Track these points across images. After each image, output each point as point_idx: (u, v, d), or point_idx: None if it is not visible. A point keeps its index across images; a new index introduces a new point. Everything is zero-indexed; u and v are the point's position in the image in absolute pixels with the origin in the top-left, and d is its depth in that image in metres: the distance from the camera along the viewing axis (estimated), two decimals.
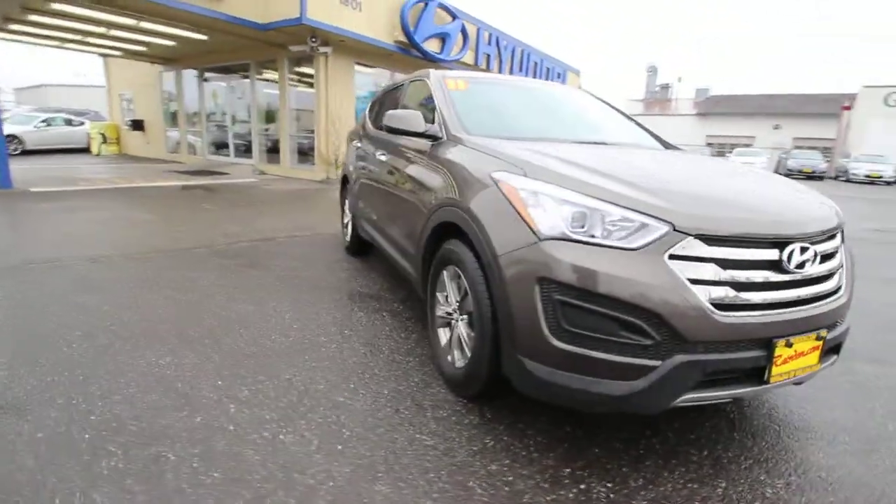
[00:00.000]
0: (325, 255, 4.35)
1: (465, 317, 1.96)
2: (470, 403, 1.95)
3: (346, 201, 4.48)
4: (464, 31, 11.17)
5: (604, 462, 1.63)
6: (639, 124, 3.05)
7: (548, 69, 15.33)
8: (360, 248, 4.24)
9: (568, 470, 1.58)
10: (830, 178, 21.59)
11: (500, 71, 13.10)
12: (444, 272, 2.09)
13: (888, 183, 19.55)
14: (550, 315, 1.46)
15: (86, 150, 15.51)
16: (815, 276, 1.58)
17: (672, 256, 1.41)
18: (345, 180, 4.51)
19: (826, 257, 1.64)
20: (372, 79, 11.19)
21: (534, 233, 1.51)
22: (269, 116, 11.54)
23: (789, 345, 1.49)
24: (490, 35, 12.39)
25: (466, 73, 3.06)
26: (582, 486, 1.51)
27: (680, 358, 1.40)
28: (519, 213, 1.57)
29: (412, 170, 2.54)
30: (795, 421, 1.95)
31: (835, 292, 1.66)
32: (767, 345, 1.47)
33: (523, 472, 1.56)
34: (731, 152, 24.62)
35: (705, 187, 1.74)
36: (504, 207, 1.64)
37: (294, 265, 3.92)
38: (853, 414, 2.02)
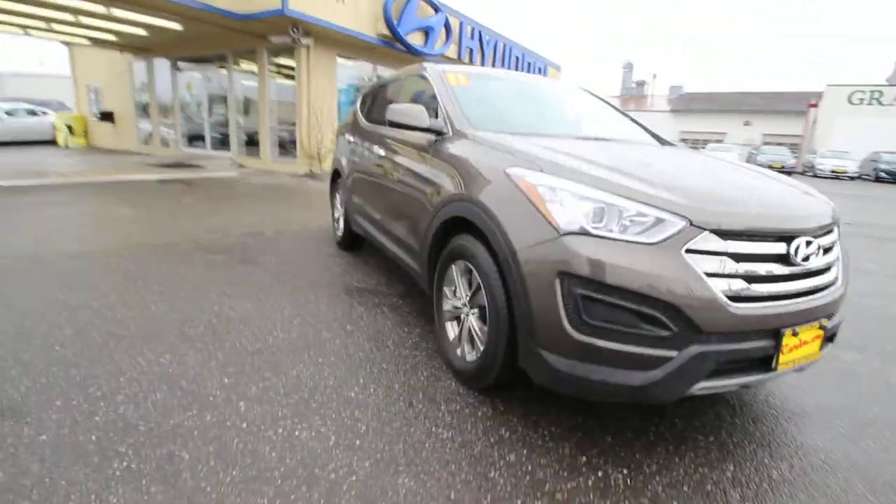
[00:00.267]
0: (316, 249, 4.29)
1: (475, 311, 1.97)
2: (481, 396, 1.97)
3: (338, 196, 4.43)
4: (447, 25, 11.12)
5: (617, 450, 1.67)
6: (634, 120, 3.11)
7: (529, 64, 15.42)
8: (353, 242, 4.20)
9: (584, 458, 1.62)
10: (798, 173, 22.43)
11: (482, 65, 13.09)
12: (453, 267, 2.09)
13: (851, 178, 20.46)
14: (571, 308, 1.48)
15: (51, 143, 14.83)
16: (817, 268, 1.65)
17: (689, 251, 1.45)
18: (336, 174, 4.44)
19: (826, 251, 1.71)
20: (354, 71, 11.03)
21: (554, 228, 1.53)
22: (248, 108, 11.26)
23: (795, 334, 1.56)
24: (473, 29, 12.37)
25: (465, 68, 3.05)
26: (599, 474, 1.54)
27: (695, 348, 1.45)
28: (538, 209, 1.59)
29: (415, 165, 2.53)
30: (791, 406, 2.04)
31: (833, 284, 1.73)
32: (776, 334, 1.53)
33: (542, 462, 1.58)
34: (703, 148, 25.31)
35: (716, 184, 1.79)
36: (521, 203, 1.65)
37: (286, 260, 3.85)
38: (842, 398, 2.12)
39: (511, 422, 1.80)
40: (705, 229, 1.47)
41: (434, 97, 2.65)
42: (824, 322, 1.65)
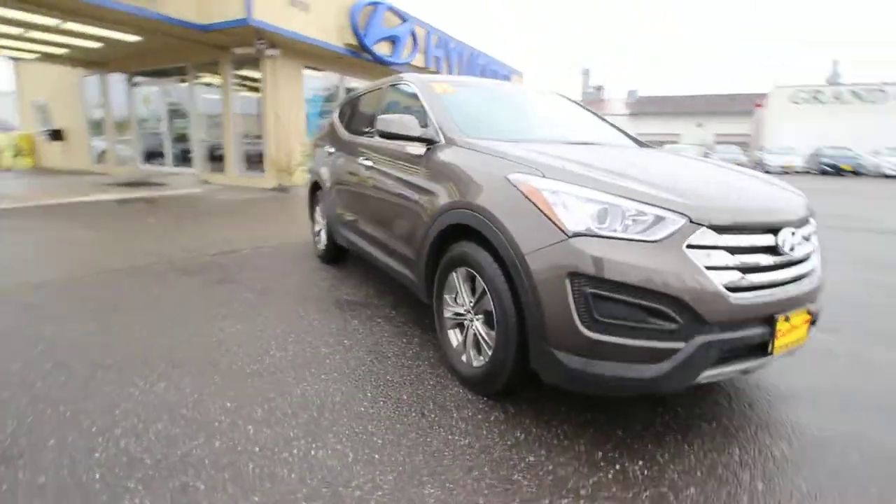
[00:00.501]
0: (298, 264, 4.21)
1: (480, 316, 1.99)
2: (491, 401, 1.98)
3: (318, 208, 4.37)
4: (413, 35, 11.20)
5: (630, 442, 1.73)
6: (611, 124, 3.23)
7: (493, 71, 15.69)
8: (336, 255, 4.15)
9: (600, 453, 1.66)
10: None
11: (449, 73, 13.24)
12: (454, 273, 2.11)
13: (798, 172, 21.79)
14: (582, 307, 1.53)
15: None
16: (801, 257, 1.76)
17: (689, 246, 1.53)
18: (315, 187, 4.39)
19: (805, 240, 1.83)
20: (321, 82, 10.93)
21: (562, 230, 1.57)
22: (211, 122, 10.95)
23: (787, 319, 1.65)
24: (439, 38, 12.51)
25: (447, 77, 3.09)
26: (617, 467, 1.59)
27: (701, 339, 1.51)
28: (544, 213, 1.63)
29: (407, 174, 2.54)
30: (780, 389, 2.15)
31: (814, 271, 1.85)
32: (770, 321, 1.62)
33: (561, 460, 1.61)
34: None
35: (706, 182, 1.88)
36: (526, 207, 1.69)
37: (269, 277, 3.77)
38: (825, 377, 2.26)
39: (524, 424, 1.83)
40: (703, 225, 1.54)
41: (420, 107, 2.67)
42: (810, 307, 1.76)
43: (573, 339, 1.55)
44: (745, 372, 1.68)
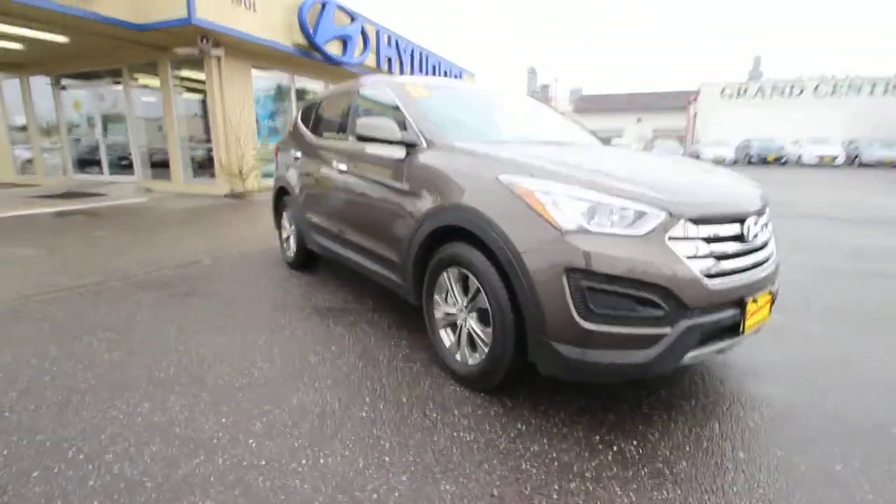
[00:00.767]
0: (266, 273, 4.10)
1: (474, 314, 2.05)
2: (488, 396, 2.05)
3: (285, 214, 4.27)
4: (364, 34, 11.08)
5: (622, 425, 1.85)
6: (578, 122, 3.38)
7: (446, 72, 15.80)
8: (307, 261, 4.08)
9: (597, 437, 1.77)
10: None
11: (401, 73, 13.19)
12: (446, 274, 2.15)
13: (730, 164, 23.48)
14: (578, 300, 1.62)
15: None
16: (762, 244, 1.95)
17: (670, 238, 1.66)
18: (281, 192, 4.28)
19: (764, 228, 2.03)
20: (271, 83, 10.58)
21: (556, 228, 1.66)
22: (152, 126, 10.34)
23: (755, 301, 1.83)
24: (389, 37, 12.43)
25: (419, 79, 3.12)
26: (615, 449, 1.70)
27: (685, 323, 1.65)
28: (537, 212, 1.71)
29: (387, 178, 2.55)
30: (744, 366, 2.36)
31: (772, 255, 2.05)
32: (741, 303, 1.79)
33: (563, 447, 1.70)
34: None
35: (678, 177, 2.04)
36: (519, 208, 1.76)
37: (239, 288, 3.65)
38: (781, 354, 2.50)
39: (523, 416, 1.91)
40: (681, 218, 1.68)
41: (396, 110, 2.69)
42: (773, 289, 1.96)
43: (571, 331, 1.64)
44: (721, 351, 1.84)
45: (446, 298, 2.22)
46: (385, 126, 2.42)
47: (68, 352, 2.50)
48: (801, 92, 27.70)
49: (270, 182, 9.76)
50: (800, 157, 22.03)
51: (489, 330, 1.94)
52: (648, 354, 1.64)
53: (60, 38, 8.06)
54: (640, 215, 1.67)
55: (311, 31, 9.47)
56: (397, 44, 12.79)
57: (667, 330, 1.64)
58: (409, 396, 2.05)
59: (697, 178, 2.11)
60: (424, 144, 2.39)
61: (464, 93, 3.20)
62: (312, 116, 3.92)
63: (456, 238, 2.12)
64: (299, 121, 4.17)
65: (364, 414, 1.91)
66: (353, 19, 10.70)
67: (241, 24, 8.22)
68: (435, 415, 1.91)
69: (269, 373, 2.26)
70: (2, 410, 1.93)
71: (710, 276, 1.70)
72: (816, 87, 27.48)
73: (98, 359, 2.42)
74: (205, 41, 8.10)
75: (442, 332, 2.26)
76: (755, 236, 1.88)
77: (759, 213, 1.97)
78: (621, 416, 1.91)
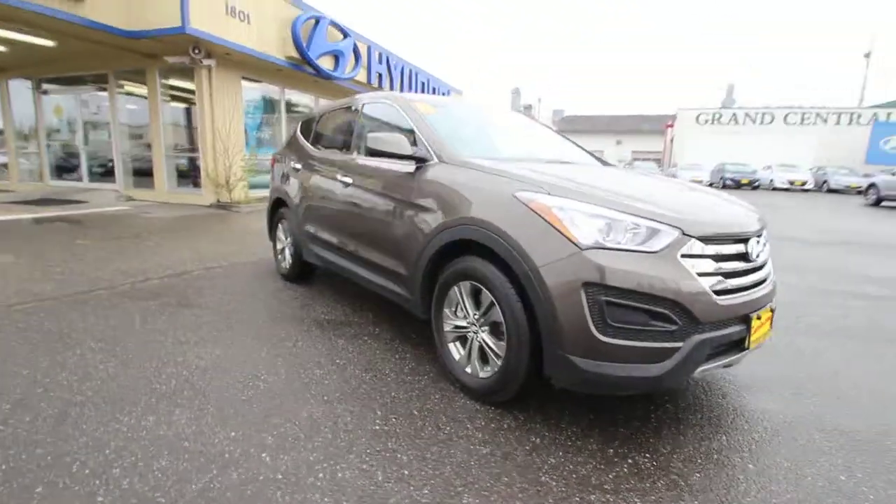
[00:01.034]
0: (260, 284, 4.04)
1: (486, 328, 2.07)
2: (499, 409, 2.05)
3: (281, 226, 4.24)
4: (355, 50, 11.19)
5: (633, 438, 1.88)
6: (575, 143, 3.48)
7: (434, 89, 16.03)
8: (302, 273, 4.04)
9: (611, 450, 1.79)
10: None
11: (391, 89, 13.34)
12: (457, 287, 2.17)
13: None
14: (596, 314, 1.66)
15: None
16: (762, 262, 2.03)
17: (682, 255, 1.72)
18: (278, 204, 4.25)
19: (763, 248, 2.12)
20: (260, 94, 10.56)
21: (574, 244, 1.70)
22: (136, 134, 10.16)
23: (759, 318, 1.90)
24: (381, 54, 12.59)
25: (423, 97, 3.18)
26: (629, 461, 1.72)
27: (696, 338, 1.70)
28: (556, 228, 1.75)
29: (396, 192, 2.57)
30: (742, 380, 2.43)
31: (771, 274, 2.14)
32: (746, 319, 1.85)
33: (578, 459, 1.72)
34: None
35: (684, 198, 2.12)
36: (537, 223, 1.81)
37: (233, 299, 3.58)
38: (775, 369, 2.58)
39: (536, 429, 1.92)
40: (693, 237, 1.75)
41: (405, 125, 2.73)
42: (772, 305, 2.04)
43: (588, 344, 1.67)
44: (728, 365, 1.90)
45: (456, 311, 2.24)
46: (397, 141, 2.45)
47: (60, 363, 2.41)
48: (772, 120, 29.01)
49: (257, 193, 9.80)
50: (771, 181, 22.91)
51: (502, 343, 1.96)
52: (662, 367, 1.68)
53: (48, 43, 7.91)
54: (653, 232, 1.73)
55: (304, 45, 9.53)
56: (388, 60, 12.96)
57: (679, 344, 1.69)
58: (420, 409, 2.04)
59: (701, 199, 2.19)
60: (435, 159, 2.42)
61: (467, 110, 3.27)
62: (313, 129, 3.93)
63: (467, 252, 2.15)
64: (299, 133, 4.18)
65: (377, 427, 1.90)
66: (345, 35, 10.82)
67: (235, 35, 8.22)
68: (449, 428, 1.90)
69: (274, 385, 2.22)
70: None
71: (718, 292, 1.76)
72: (786, 116, 28.83)
73: (93, 370, 2.34)
74: (197, 51, 8.06)
75: (451, 346, 2.27)
76: (757, 255, 1.96)
77: (759, 233, 2.06)
78: (632, 429, 1.94)
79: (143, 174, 10.12)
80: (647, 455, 1.76)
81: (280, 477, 1.58)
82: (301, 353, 2.60)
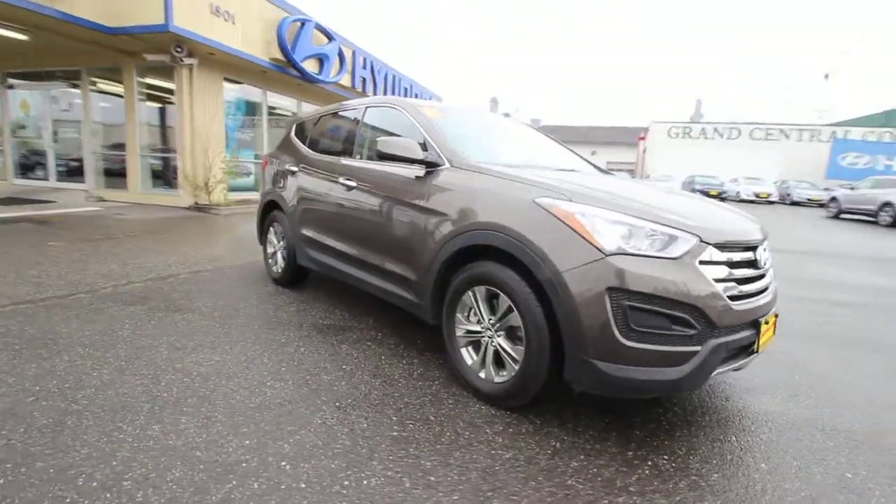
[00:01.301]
0: (251, 288, 3.94)
1: (502, 332, 2.07)
2: (514, 414, 2.05)
3: (273, 229, 4.15)
4: (340, 54, 11.13)
5: (650, 440, 1.91)
6: (573, 151, 3.54)
7: (417, 94, 16.06)
8: (295, 277, 3.96)
9: (630, 453, 1.81)
10: None
11: (374, 94, 13.30)
12: (471, 293, 2.17)
13: None
14: (620, 319, 1.69)
15: None
16: (767, 269, 2.11)
17: (701, 262, 1.77)
18: (270, 207, 4.16)
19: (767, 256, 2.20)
20: (242, 95, 10.35)
21: (599, 250, 1.73)
22: (109, 133, 9.78)
23: (766, 322, 1.97)
24: (365, 59, 12.55)
25: (426, 103, 3.18)
26: (649, 463, 1.75)
27: (713, 342, 1.75)
28: (579, 234, 1.77)
29: (406, 196, 2.55)
30: (743, 384, 2.51)
31: (773, 281, 2.23)
32: (756, 324, 1.92)
33: (600, 462, 1.74)
34: None
35: (696, 207, 2.18)
36: (560, 229, 1.83)
37: (225, 304, 3.48)
38: (768, 371, 2.67)
39: (554, 433, 1.93)
40: (710, 244, 1.80)
41: (412, 130, 2.72)
42: (776, 311, 2.12)
43: (612, 349, 1.70)
44: (738, 368, 1.96)
45: (468, 316, 2.23)
46: (408, 145, 2.44)
47: (48, 370, 2.28)
48: (739, 134, 30.28)
49: (237, 196, 9.56)
50: (738, 193, 23.88)
51: (519, 348, 1.97)
52: (682, 371, 1.72)
53: (20, 36, 7.56)
54: (672, 239, 1.77)
55: (289, 47, 9.41)
56: (372, 65, 12.93)
57: (698, 348, 1.73)
58: (435, 415, 2.02)
59: (709, 208, 2.27)
60: (447, 164, 2.43)
61: (469, 115, 3.29)
62: (310, 132, 3.87)
63: (481, 257, 2.15)
64: (293, 135, 4.12)
65: (395, 433, 1.87)
66: (330, 39, 10.74)
67: (219, 35, 8.05)
68: (468, 433, 1.89)
69: (283, 392, 2.16)
70: None
71: (732, 298, 1.82)
72: (752, 132, 30.14)
73: (85, 377, 2.22)
74: (179, 49, 7.85)
75: (463, 350, 2.26)
76: (764, 263, 2.04)
77: (763, 241, 2.14)
78: (646, 431, 1.97)
79: (114, 174, 9.75)
80: (666, 457, 1.80)
81: (304, 486, 1.53)
82: (305, 359, 2.54)
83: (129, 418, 1.89)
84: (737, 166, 27.29)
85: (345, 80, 11.72)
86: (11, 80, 10.12)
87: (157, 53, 8.02)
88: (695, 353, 1.73)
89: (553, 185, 2.02)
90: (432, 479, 1.60)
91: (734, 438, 1.96)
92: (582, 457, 1.77)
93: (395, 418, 1.98)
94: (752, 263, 1.98)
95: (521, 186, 2.06)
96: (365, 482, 1.56)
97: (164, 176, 9.56)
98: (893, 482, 1.72)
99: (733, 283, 1.85)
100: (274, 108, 11.38)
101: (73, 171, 10.10)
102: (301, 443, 1.77)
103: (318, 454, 1.70)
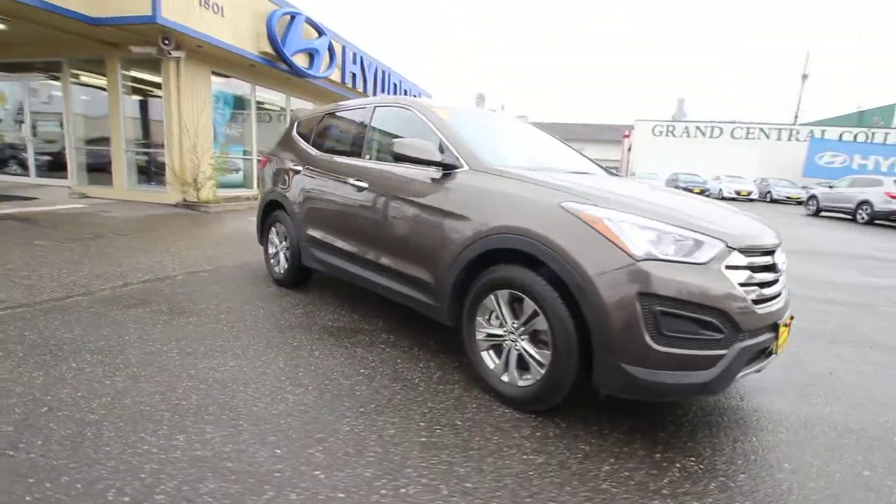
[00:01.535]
0: (254, 290, 3.87)
1: (526, 336, 2.08)
2: (539, 418, 2.07)
3: (275, 229, 4.08)
4: (331, 49, 10.97)
5: (674, 442, 1.94)
6: (579, 153, 3.56)
7: (406, 91, 15.96)
8: (299, 278, 3.91)
9: (658, 455, 1.84)
10: None
11: (364, 90, 13.16)
12: (493, 296, 2.17)
13: None
14: (650, 323, 1.71)
15: None
16: (782, 273, 2.16)
17: (727, 266, 1.80)
18: (272, 206, 4.09)
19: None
20: (230, 90, 10.13)
21: (629, 255, 1.74)
22: (92, 127, 9.48)
23: (785, 325, 2.02)
24: (355, 54, 12.41)
25: (434, 103, 3.16)
26: (678, 466, 1.78)
27: (739, 345, 1.79)
28: (609, 239, 1.79)
29: (424, 198, 2.53)
30: (754, 384, 2.57)
31: (786, 284, 2.28)
32: (775, 327, 1.97)
33: (631, 466, 1.76)
34: None
35: (716, 212, 2.21)
36: (588, 234, 1.84)
37: (230, 306, 3.41)
38: (775, 370, 2.74)
39: (581, 436, 1.95)
40: (734, 249, 1.83)
41: (425, 131, 2.71)
42: (791, 314, 2.17)
43: (643, 353, 1.72)
44: (759, 370, 2.01)
45: (490, 320, 2.23)
46: (426, 147, 2.42)
47: (57, 378, 2.21)
48: (721, 133, 30.87)
49: (227, 193, 9.38)
50: (720, 190, 24.40)
51: (545, 351, 1.98)
52: (709, 374, 1.75)
53: None
54: (699, 244, 1.80)
55: (279, 40, 9.23)
56: (362, 61, 12.79)
57: (724, 351, 1.76)
58: (463, 420, 2.02)
59: (728, 214, 2.30)
60: (465, 166, 2.42)
61: (479, 117, 3.28)
62: (314, 131, 3.82)
63: (503, 260, 2.15)
64: (295, 134, 4.05)
65: (424, 439, 1.86)
66: (321, 34, 10.58)
67: (208, 27, 7.85)
68: (496, 438, 1.90)
69: (305, 398, 2.14)
70: (7, 449, 1.66)
71: (756, 301, 1.86)
72: (732, 131, 30.76)
73: (98, 385, 2.16)
74: (167, 42, 7.64)
75: (484, 354, 2.26)
76: (781, 266, 2.08)
77: (779, 245, 2.19)
78: (670, 433, 2.01)
79: (99, 170, 9.46)
80: (693, 458, 1.83)
81: (342, 496, 1.52)
82: (321, 363, 2.52)
83: (150, 428, 1.84)
84: (720, 165, 27.83)
85: (335, 75, 11.58)
86: None
87: (143, 45, 7.79)
88: (722, 356, 1.76)
89: (577, 189, 2.03)
90: (468, 485, 1.60)
91: (754, 438, 2.00)
92: (612, 460, 1.79)
93: (422, 424, 1.97)
94: (771, 267, 2.03)
95: (545, 190, 2.07)
96: (402, 490, 1.56)
97: (150, 172, 9.32)
98: None
99: (755, 287, 1.89)
100: (262, 102, 11.17)
101: (55, 167, 9.77)
102: (332, 450, 1.75)
103: (351, 462, 1.69)
